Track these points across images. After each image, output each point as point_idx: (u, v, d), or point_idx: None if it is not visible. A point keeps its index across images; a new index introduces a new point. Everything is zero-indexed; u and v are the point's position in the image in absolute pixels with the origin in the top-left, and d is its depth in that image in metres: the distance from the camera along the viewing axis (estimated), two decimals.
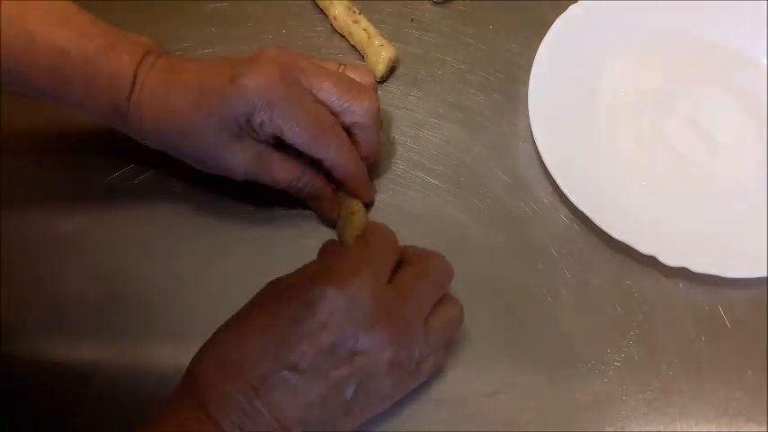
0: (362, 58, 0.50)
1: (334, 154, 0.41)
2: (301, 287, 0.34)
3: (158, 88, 0.39)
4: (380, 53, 0.48)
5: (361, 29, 0.50)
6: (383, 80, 0.50)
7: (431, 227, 0.45)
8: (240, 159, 0.40)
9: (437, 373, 0.39)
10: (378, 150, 0.44)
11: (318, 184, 0.43)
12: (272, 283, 0.36)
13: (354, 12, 0.50)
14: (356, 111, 0.41)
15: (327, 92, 0.41)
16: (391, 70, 0.50)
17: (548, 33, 0.49)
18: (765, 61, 0.50)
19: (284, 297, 0.34)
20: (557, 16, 0.50)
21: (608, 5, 0.51)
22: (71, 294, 0.42)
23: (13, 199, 0.45)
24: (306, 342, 0.33)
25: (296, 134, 0.39)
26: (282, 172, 0.41)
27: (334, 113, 0.41)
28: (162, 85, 0.39)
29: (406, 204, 0.45)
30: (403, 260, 0.38)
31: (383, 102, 0.49)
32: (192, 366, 0.34)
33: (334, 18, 0.51)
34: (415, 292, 0.36)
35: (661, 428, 0.39)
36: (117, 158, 0.46)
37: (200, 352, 0.34)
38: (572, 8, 0.50)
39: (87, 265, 0.43)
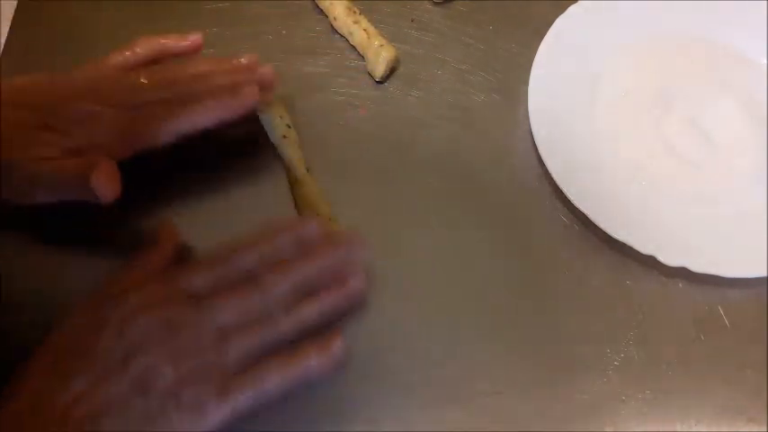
0: (362, 58, 0.50)
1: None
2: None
3: None
4: (380, 54, 0.48)
5: (361, 29, 0.50)
6: (383, 80, 0.50)
7: (430, 227, 0.45)
8: None
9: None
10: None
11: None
12: None
13: (354, 12, 0.50)
14: None
15: None
16: (391, 70, 0.50)
17: (548, 33, 0.49)
18: (765, 61, 0.50)
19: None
20: (557, 16, 0.50)
21: (608, 5, 0.51)
22: (71, 295, 0.42)
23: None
24: (82, 346, 0.35)
25: None
26: None
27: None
28: None
29: (405, 204, 0.45)
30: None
31: (383, 102, 0.49)
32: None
33: (335, 18, 0.51)
34: (215, 302, 0.36)
35: (661, 428, 0.39)
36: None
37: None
38: (572, 8, 0.50)
39: (88, 266, 0.43)
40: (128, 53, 0.43)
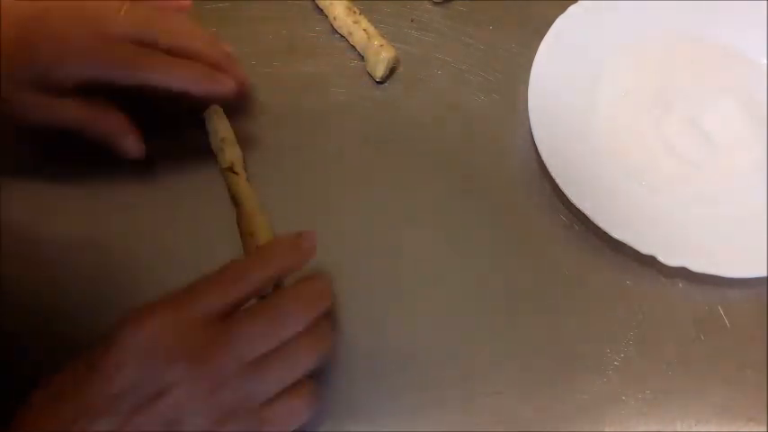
0: (362, 58, 0.50)
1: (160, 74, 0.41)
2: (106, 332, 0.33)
3: None
4: (380, 54, 0.48)
5: (360, 29, 0.50)
6: (383, 80, 0.50)
7: (430, 227, 0.45)
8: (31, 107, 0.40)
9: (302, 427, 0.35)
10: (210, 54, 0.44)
11: (113, 119, 0.42)
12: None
13: (354, 12, 0.50)
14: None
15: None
16: (391, 71, 0.50)
17: (548, 33, 0.49)
18: (765, 61, 0.50)
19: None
20: (557, 16, 0.50)
21: (608, 5, 0.51)
22: (71, 295, 0.42)
23: (12, 199, 0.45)
24: (99, 385, 0.31)
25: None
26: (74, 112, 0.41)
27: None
28: None
29: (405, 204, 0.45)
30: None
31: (383, 102, 0.49)
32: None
33: (335, 18, 0.51)
34: (243, 331, 0.34)
35: (661, 428, 0.39)
36: (116, 158, 0.46)
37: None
38: (572, 8, 0.50)
39: (87, 265, 0.43)
40: None
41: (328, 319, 0.38)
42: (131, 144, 0.43)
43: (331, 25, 0.51)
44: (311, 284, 0.37)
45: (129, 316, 0.33)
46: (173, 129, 0.46)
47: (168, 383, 0.32)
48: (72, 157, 0.45)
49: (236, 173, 0.44)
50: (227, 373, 0.33)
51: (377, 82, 0.50)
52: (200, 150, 0.46)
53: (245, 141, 0.46)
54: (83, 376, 0.32)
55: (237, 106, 0.47)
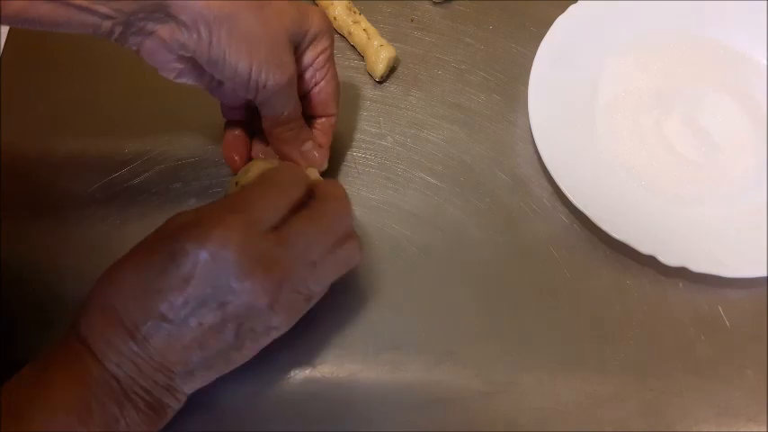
0: (362, 58, 0.50)
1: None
2: (170, 236, 0.33)
3: None
4: (380, 53, 0.48)
5: (360, 29, 0.50)
6: (383, 80, 0.50)
7: (431, 227, 0.45)
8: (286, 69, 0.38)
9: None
10: None
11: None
12: (170, 220, 0.35)
13: (354, 12, 0.50)
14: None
15: None
16: (391, 70, 0.50)
17: (548, 33, 0.49)
18: (765, 61, 0.50)
19: (156, 245, 0.34)
20: (557, 16, 0.50)
21: (608, 5, 0.51)
22: (71, 295, 0.42)
23: (13, 199, 0.45)
24: (171, 294, 0.32)
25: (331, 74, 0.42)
26: (296, 102, 0.41)
27: None
28: None
29: (405, 204, 0.45)
30: (311, 196, 0.37)
31: (383, 102, 0.49)
32: (79, 310, 0.34)
33: (335, 18, 0.51)
34: (303, 238, 0.35)
35: (661, 428, 0.39)
36: (117, 159, 0.46)
37: (87, 297, 0.34)
38: (572, 8, 0.50)
39: (86, 265, 0.43)
40: None
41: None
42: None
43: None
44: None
45: (197, 225, 0.33)
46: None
47: (234, 296, 0.33)
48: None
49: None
50: (301, 279, 0.35)
51: (377, 82, 0.50)
52: None
53: None
54: (154, 279, 0.33)
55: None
